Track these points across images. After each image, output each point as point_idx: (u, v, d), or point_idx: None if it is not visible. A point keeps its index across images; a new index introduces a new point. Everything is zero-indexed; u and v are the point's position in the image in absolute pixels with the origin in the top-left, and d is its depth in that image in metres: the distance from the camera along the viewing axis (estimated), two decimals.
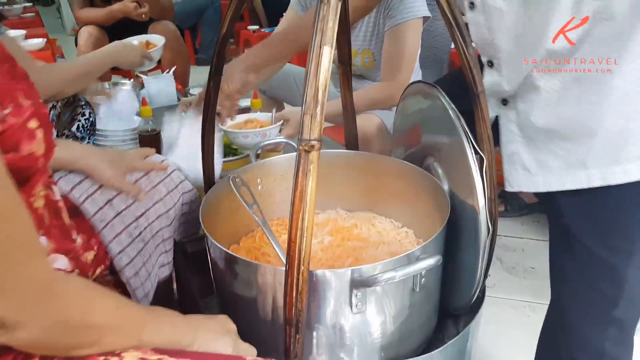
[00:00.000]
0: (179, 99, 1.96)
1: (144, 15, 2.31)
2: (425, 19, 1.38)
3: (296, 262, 0.51)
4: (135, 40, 1.86)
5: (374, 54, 1.46)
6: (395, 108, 0.99)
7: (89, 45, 2.24)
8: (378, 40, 1.43)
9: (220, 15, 3.97)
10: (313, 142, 0.51)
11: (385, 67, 1.40)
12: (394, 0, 1.36)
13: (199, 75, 2.72)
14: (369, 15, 1.43)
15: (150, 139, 1.32)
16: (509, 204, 1.81)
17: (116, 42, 1.48)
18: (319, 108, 0.52)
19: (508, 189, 0.78)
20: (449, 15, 0.59)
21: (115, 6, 2.33)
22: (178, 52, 2.46)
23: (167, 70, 1.97)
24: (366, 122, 1.33)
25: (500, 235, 1.52)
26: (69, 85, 1.15)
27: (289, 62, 1.81)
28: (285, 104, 1.81)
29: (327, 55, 0.52)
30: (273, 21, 3.85)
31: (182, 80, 2.54)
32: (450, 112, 0.70)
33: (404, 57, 1.36)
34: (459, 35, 0.60)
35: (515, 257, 1.62)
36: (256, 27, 3.92)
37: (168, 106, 1.86)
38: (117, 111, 1.45)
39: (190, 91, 2.12)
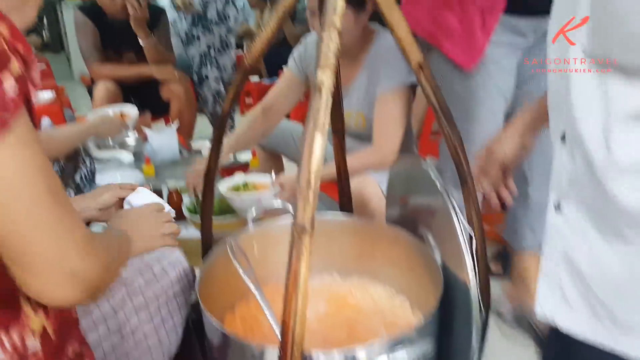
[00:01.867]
0: (181, 153, 2.01)
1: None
2: (413, 86, 1.45)
3: (289, 345, 0.52)
4: (110, 111, 2.04)
5: (366, 116, 1.51)
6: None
7: (105, 99, 2.32)
8: (370, 103, 1.48)
9: None
10: (306, 227, 0.53)
11: (376, 132, 1.45)
12: (384, 68, 1.42)
13: (201, 124, 2.78)
14: (362, 79, 1.49)
15: None
16: (507, 264, 1.81)
17: (97, 116, 1.60)
18: (311, 193, 0.54)
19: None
20: (433, 100, 0.63)
21: (136, 68, 2.44)
22: (188, 105, 2.54)
23: (171, 123, 2.02)
24: (361, 184, 1.36)
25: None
26: (59, 153, 1.42)
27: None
28: (283, 158, 1.86)
29: (320, 143, 0.55)
30: (273, 72, 3.96)
31: (187, 131, 2.61)
32: (439, 187, 0.72)
33: (393, 123, 1.42)
34: (444, 120, 0.63)
35: None
36: (257, 78, 4.04)
37: (171, 161, 1.91)
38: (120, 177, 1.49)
39: (193, 144, 2.18)
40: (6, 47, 0.52)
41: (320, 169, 0.55)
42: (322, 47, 0.56)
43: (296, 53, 1.63)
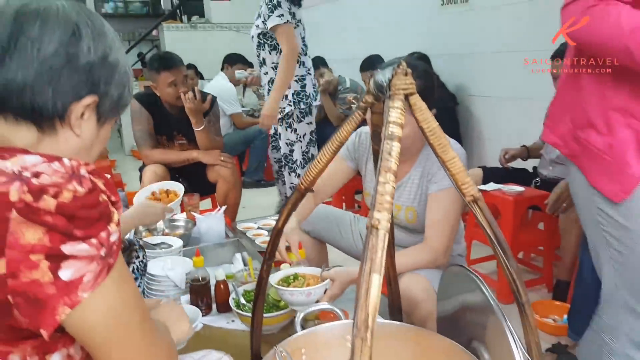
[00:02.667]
0: (227, 235, 2.06)
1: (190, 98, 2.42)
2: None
3: None
4: (155, 187, 2.15)
5: (417, 212, 1.52)
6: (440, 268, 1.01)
7: (153, 183, 2.43)
8: (421, 200, 1.50)
9: (267, 144, 4.26)
10: None
11: (428, 230, 1.45)
12: (439, 167, 1.44)
13: (244, 198, 2.86)
14: (415, 175, 1.52)
15: (200, 289, 1.37)
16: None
17: (139, 204, 1.66)
18: (369, 333, 0.55)
19: None
20: (490, 232, 0.64)
21: (184, 154, 2.57)
22: (233, 187, 2.63)
23: (218, 209, 2.09)
24: (413, 283, 1.34)
25: None
26: None
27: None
28: (327, 245, 1.87)
29: (376, 283, 0.56)
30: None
31: (233, 211, 2.68)
32: (495, 308, 0.71)
33: (445, 222, 1.42)
34: (500, 250, 0.64)
35: None
36: None
37: (217, 244, 1.96)
38: (172, 262, 1.54)
39: (238, 225, 2.23)
40: (108, 202, 0.59)
41: (377, 308, 0.56)
42: (378, 189, 0.59)
43: (350, 143, 1.68)
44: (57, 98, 0.65)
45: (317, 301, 1.24)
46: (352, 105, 3.68)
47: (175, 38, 5.84)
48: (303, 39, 2.74)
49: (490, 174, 2.44)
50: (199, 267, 1.41)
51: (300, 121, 2.78)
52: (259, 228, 2.18)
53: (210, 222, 2.01)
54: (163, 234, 1.99)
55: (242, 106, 5.08)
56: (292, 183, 2.96)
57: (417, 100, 0.66)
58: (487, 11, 2.99)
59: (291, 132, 2.80)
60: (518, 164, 2.56)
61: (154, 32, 7.04)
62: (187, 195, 2.30)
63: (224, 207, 2.11)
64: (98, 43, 0.68)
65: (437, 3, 3.35)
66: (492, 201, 2.20)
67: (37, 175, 0.57)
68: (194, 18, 6.08)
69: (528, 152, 2.49)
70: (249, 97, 5.44)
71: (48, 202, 0.55)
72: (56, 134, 0.67)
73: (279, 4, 2.53)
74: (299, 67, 2.69)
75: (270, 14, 2.53)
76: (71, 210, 0.56)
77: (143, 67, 8.03)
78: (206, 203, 2.92)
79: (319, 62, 3.93)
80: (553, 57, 2.13)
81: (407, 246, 1.50)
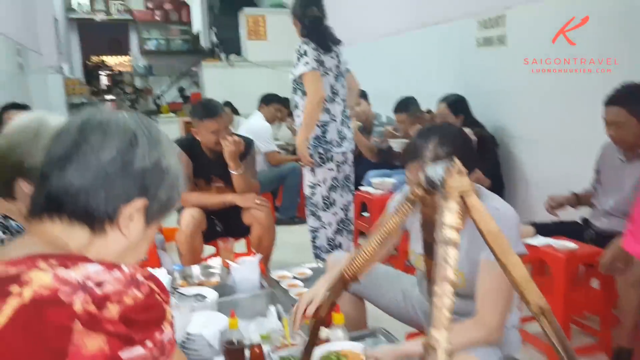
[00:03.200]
0: (262, 285, 2.03)
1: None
2: (521, 255, 1.37)
3: None
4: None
5: (466, 276, 1.44)
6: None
7: (190, 227, 2.46)
8: (472, 265, 1.41)
9: (300, 181, 4.27)
10: None
11: (480, 303, 1.34)
12: None
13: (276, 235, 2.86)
14: (463, 239, 1.46)
15: (235, 353, 1.35)
16: None
17: None
18: None
19: None
20: (556, 342, 0.59)
21: (221, 197, 2.60)
22: (267, 230, 2.64)
23: (253, 255, 2.08)
24: None
25: None
26: None
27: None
28: (366, 302, 1.82)
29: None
30: None
31: (266, 255, 2.68)
32: None
33: (498, 295, 1.31)
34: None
35: None
36: None
37: (252, 295, 1.95)
38: (206, 319, 1.52)
39: (272, 273, 2.21)
40: (162, 302, 0.60)
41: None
42: (435, 302, 0.55)
43: (396, 199, 1.67)
44: (109, 201, 0.69)
45: None
46: (390, 140, 3.65)
47: (214, 75, 6.02)
48: (332, 86, 2.76)
49: (541, 229, 2.32)
50: (233, 329, 1.39)
51: (319, 166, 2.80)
52: (293, 277, 2.15)
53: (245, 271, 2.00)
54: (198, 283, 1.99)
55: (276, 139, 5.16)
56: (311, 226, 2.96)
57: (474, 200, 0.62)
58: (525, 53, 2.93)
59: (312, 175, 2.84)
60: (569, 214, 2.43)
61: (194, 68, 7.29)
62: (222, 240, 2.32)
63: (259, 256, 2.10)
64: (153, 150, 0.72)
65: (473, 44, 3.32)
66: (542, 257, 2.09)
67: (100, 284, 0.59)
68: (232, 56, 6.26)
69: (578, 200, 2.34)
70: (283, 131, 5.53)
71: (111, 311, 0.58)
72: (106, 235, 0.70)
73: (305, 53, 2.62)
74: (323, 113, 2.72)
75: (297, 62, 2.63)
76: (131, 316, 0.59)
77: (183, 101, 8.31)
78: (241, 244, 2.92)
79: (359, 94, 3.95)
80: (607, 104, 2.06)
81: (458, 312, 1.43)
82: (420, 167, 0.64)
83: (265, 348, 1.40)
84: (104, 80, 12.57)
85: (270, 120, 4.48)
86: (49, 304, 0.56)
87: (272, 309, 1.76)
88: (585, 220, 2.35)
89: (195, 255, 2.53)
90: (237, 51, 6.50)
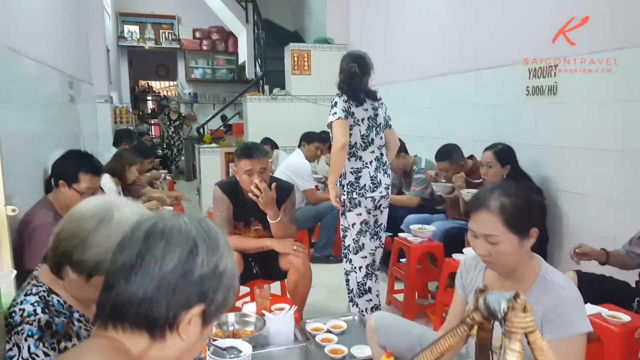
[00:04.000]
0: (296, 337, 2.00)
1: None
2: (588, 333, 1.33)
3: None
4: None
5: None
6: None
7: None
8: None
9: (337, 220, 4.24)
10: None
11: None
12: (560, 307, 1.32)
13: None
14: None
15: None
16: None
17: None
18: None
19: None
20: None
21: (259, 242, 2.62)
22: (304, 276, 2.61)
23: (289, 308, 2.05)
24: None
25: None
26: None
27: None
28: None
29: None
30: (387, 227, 4.00)
31: (301, 301, 2.64)
32: None
33: None
34: None
35: None
36: None
37: (286, 347, 1.91)
38: None
39: (307, 325, 2.17)
40: None
41: None
42: None
43: (458, 272, 1.64)
44: (170, 309, 0.71)
45: None
46: (433, 184, 3.58)
47: (256, 108, 6.12)
48: (364, 135, 2.84)
49: (585, 281, 2.21)
50: None
51: (350, 210, 2.86)
52: (327, 331, 2.10)
53: (280, 323, 1.97)
54: (233, 332, 1.97)
55: (314, 172, 5.17)
56: (345, 268, 2.98)
57: (537, 339, 0.58)
58: (577, 105, 2.85)
59: (344, 219, 2.92)
60: (621, 274, 2.30)
61: (240, 98, 7.46)
62: (259, 285, 2.30)
63: (294, 308, 2.06)
64: (211, 256, 0.74)
65: (522, 92, 3.25)
66: (593, 327, 1.97)
67: None
68: (275, 90, 6.38)
69: (607, 258, 2.21)
70: (322, 165, 5.55)
71: None
72: (165, 340, 0.72)
73: (335, 104, 2.77)
74: (356, 160, 2.83)
75: (329, 112, 2.77)
76: None
77: (225, 131, 8.50)
78: (276, 285, 2.90)
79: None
80: None
81: None
82: (480, 293, 0.61)
83: None
84: (150, 105, 13.08)
85: (311, 158, 4.50)
86: None
87: None
88: (638, 283, 2.21)
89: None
90: (281, 84, 6.63)
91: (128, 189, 3.93)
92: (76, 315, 1.15)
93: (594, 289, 2.16)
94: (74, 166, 2.33)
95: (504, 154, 2.99)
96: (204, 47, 10.84)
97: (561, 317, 1.31)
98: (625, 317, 1.92)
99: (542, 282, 1.38)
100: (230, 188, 2.62)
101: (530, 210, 1.38)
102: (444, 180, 3.57)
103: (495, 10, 3.55)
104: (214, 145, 6.59)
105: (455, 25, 4.06)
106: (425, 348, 0.72)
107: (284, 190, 2.67)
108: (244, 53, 9.07)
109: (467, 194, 3.06)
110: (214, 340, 1.79)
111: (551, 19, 3.00)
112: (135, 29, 10.73)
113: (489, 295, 0.62)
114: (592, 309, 1.99)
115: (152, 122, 12.01)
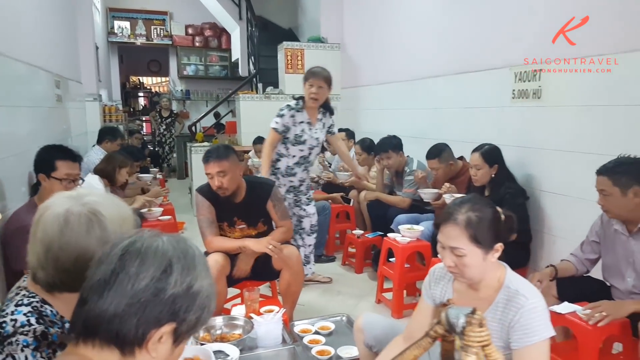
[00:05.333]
0: (284, 339, 2.04)
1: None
2: (552, 338, 1.39)
3: None
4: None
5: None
6: None
7: (213, 272, 2.47)
8: (503, 340, 1.43)
9: (330, 219, 4.28)
10: None
11: None
12: (519, 319, 1.38)
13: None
14: (493, 319, 1.46)
15: None
16: None
17: None
18: None
19: None
20: None
21: (238, 242, 2.63)
22: (297, 274, 2.66)
23: (277, 310, 2.09)
24: None
25: None
26: None
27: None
28: None
29: None
30: (376, 227, 4.06)
31: (292, 301, 2.69)
32: None
33: None
34: None
35: None
36: (360, 232, 4.14)
37: (273, 350, 1.95)
38: None
39: (296, 327, 2.21)
40: None
41: None
42: None
43: (426, 283, 1.70)
44: (140, 327, 0.72)
45: None
46: (420, 191, 3.63)
47: (249, 106, 6.14)
48: (297, 134, 3.46)
49: (562, 279, 2.27)
50: None
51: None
52: (316, 332, 2.15)
53: (269, 325, 2.01)
54: (221, 336, 2.01)
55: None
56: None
57: (492, 352, 0.62)
58: (561, 109, 2.90)
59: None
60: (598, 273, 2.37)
61: (233, 95, 7.46)
62: (248, 289, 2.33)
63: (282, 310, 2.10)
64: (185, 276, 0.75)
65: (509, 95, 3.30)
66: (567, 325, 2.04)
67: None
68: (269, 89, 6.38)
69: (556, 273, 2.28)
70: (316, 165, 5.59)
71: None
72: (134, 357, 0.73)
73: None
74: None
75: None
76: None
77: (217, 130, 8.50)
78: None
79: (389, 147, 3.98)
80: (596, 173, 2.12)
81: None
82: (443, 307, 0.66)
83: None
84: (141, 101, 13.03)
85: None
86: None
87: None
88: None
89: (219, 301, 2.56)
90: (275, 83, 6.63)
91: (117, 191, 3.95)
92: (68, 325, 1.18)
93: (570, 287, 2.23)
94: (49, 156, 2.37)
95: (491, 154, 3.04)
96: (197, 44, 10.80)
97: (524, 327, 1.37)
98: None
99: (506, 292, 1.44)
100: (210, 191, 2.65)
101: (496, 225, 1.43)
102: (430, 184, 3.64)
103: (484, 15, 3.60)
104: (205, 143, 6.60)
105: (446, 29, 4.10)
106: (393, 359, 0.76)
107: (264, 188, 2.73)
108: (238, 50, 9.06)
109: (450, 197, 3.12)
110: (202, 344, 1.83)
111: (538, 24, 3.05)
112: (126, 24, 10.66)
113: (450, 310, 0.67)
114: (568, 307, 2.06)
115: (144, 118, 11.96)
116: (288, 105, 3.46)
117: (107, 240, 0.93)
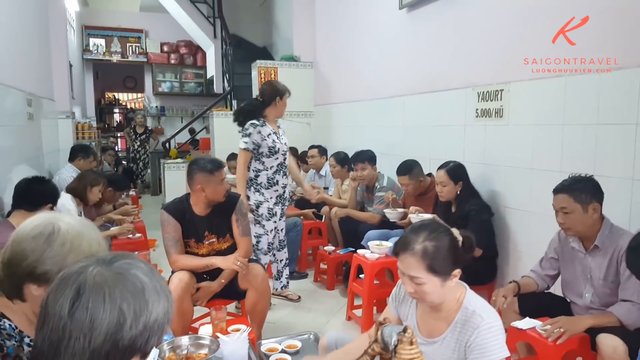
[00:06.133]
0: (250, 358, 2.05)
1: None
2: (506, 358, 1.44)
3: None
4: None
5: None
6: None
7: (178, 291, 2.47)
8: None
9: (301, 236, 4.31)
10: None
11: None
12: (475, 339, 1.43)
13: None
14: (450, 339, 1.52)
15: None
16: None
17: None
18: None
19: None
20: None
21: (205, 260, 2.64)
22: (262, 294, 2.67)
23: (244, 329, 2.10)
24: None
25: None
26: None
27: None
28: None
29: None
30: (348, 243, 4.10)
31: (259, 320, 2.69)
32: None
33: None
34: None
35: None
36: (332, 248, 4.17)
37: None
38: None
39: (262, 346, 2.22)
40: None
41: None
42: None
43: (393, 294, 1.75)
44: None
45: None
46: (386, 211, 3.69)
47: (223, 123, 6.17)
48: (270, 147, 3.53)
49: (525, 296, 2.34)
50: None
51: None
52: (282, 351, 2.16)
53: (235, 345, 2.02)
54: (187, 356, 2.01)
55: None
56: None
57: None
58: (521, 127, 3.02)
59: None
60: (556, 289, 2.46)
61: (209, 112, 7.47)
62: (215, 308, 2.33)
63: (248, 329, 2.12)
64: (139, 317, 0.77)
65: (472, 114, 3.42)
66: (528, 340, 2.10)
67: None
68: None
69: (519, 289, 2.35)
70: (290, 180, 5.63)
71: None
72: None
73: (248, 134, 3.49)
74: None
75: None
76: None
77: (192, 146, 8.48)
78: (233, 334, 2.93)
79: (366, 158, 4.05)
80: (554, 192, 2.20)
81: None
82: (380, 326, 0.70)
83: None
84: (116, 117, 12.91)
85: None
86: None
87: None
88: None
89: (185, 320, 2.55)
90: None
91: (90, 210, 3.91)
92: (26, 340, 1.19)
93: (532, 303, 2.30)
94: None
95: (456, 171, 3.13)
96: (172, 61, 10.81)
97: (480, 346, 1.42)
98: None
99: (464, 313, 1.50)
100: (177, 208, 2.66)
101: (453, 252, 1.47)
102: (399, 204, 3.72)
103: (449, 37, 3.72)
104: (179, 160, 6.58)
105: (414, 49, 4.22)
106: None
107: (230, 200, 2.74)
108: (213, 67, 9.09)
109: (416, 217, 3.18)
110: None
111: (501, 45, 3.18)
112: (102, 42, 10.62)
113: (384, 329, 0.71)
114: (529, 322, 2.13)
115: (119, 135, 11.85)
116: (252, 124, 3.46)
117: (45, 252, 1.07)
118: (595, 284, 2.17)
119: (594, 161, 2.50)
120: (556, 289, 2.47)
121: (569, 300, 2.36)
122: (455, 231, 1.53)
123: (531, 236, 2.98)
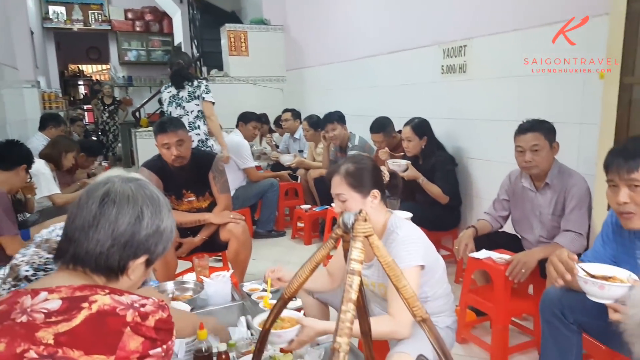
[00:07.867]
0: (233, 298, 2.19)
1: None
2: (421, 267, 1.60)
3: None
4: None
5: (387, 287, 1.67)
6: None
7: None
8: (387, 278, 1.65)
9: (278, 196, 4.44)
10: None
11: (390, 305, 1.57)
12: (397, 252, 1.59)
13: (255, 248, 3.07)
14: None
15: (204, 359, 1.51)
16: None
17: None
18: None
19: None
20: (438, 349, 0.77)
21: (196, 216, 2.76)
22: (244, 245, 2.79)
23: (225, 273, 2.24)
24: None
25: None
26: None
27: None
28: (330, 308, 2.02)
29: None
30: (324, 201, 4.26)
31: (241, 270, 2.83)
32: None
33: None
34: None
35: None
36: (308, 206, 4.32)
37: (223, 307, 2.10)
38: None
39: (245, 286, 2.37)
40: (172, 322, 0.89)
41: None
42: (341, 316, 0.74)
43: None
44: (121, 260, 0.93)
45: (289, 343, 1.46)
46: (389, 161, 3.84)
47: None
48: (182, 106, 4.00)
49: (481, 240, 2.53)
50: (203, 339, 1.54)
51: None
52: (263, 290, 2.31)
53: (218, 285, 2.15)
54: (173, 298, 2.13)
55: (264, 154, 5.38)
56: None
57: (374, 240, 0.81)
58: (483, 82, 3.18)
59: None
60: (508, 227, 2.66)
61: None
62: (198, 256, 2.45)
63: (231, 271, 2.25)
64: (154, 219, 0.96)
65: (439, 71, 3.56)
66: (484, 268, 2.31)
67: (143, 305, 0.87)
68: (213, 71, 6.40)
69: (476, 232, 2.52)
70: (264, 146, 5.74)
71: (150, 322, 0.86)
72: (117, 280, 0.95)
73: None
74: None
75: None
76: (160, 326, 0.87)
77: (161, 113, 8.40)
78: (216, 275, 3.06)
79: (334, 118, 4.16)
80: (522, 132, 2.33)
81: (383, 312, 1.69)
82: (340, 215, 0.86)
83: (232, 354, 1.56)
84: (81, 90, 12.59)
85: (249, 138, 4.64)
86: (109, 315, 0.83)
87: (242, 319, 1.91)
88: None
89: (169, 271, 2.66)
90: (219, 66, 6.65)
91: (64, 176, 3.94)
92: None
93: (486, 241, 2.49)
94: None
95: (421, 127, 3.29)
96: (137, 29, 10.55)
97: (394, 256, 1.57)
98: (509, 257, 2.25)
99: (388, 233, 1.69)
100: (156, 164, 2.73)
101: (371, 174, 1.68)
102: (373, 157, 3.85)
103: None
104: (150, 128, 6.55)
105: (382, 9, 4.31)
106: (306, 262, 0.94)
107: (205, 159, 2.82)
108: (180, 34, 8.96)
109: (392, 163, 3.34)
110: None
111: (463, 3, 3.31)
112: (62, 9, 10.26)
113: (344, 214, 0.86)
114: (485, 253, 2.33)
115: (86, 107, 11.59)
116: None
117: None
118: (544, 220, 2.38)
119: (549, 109, 2.68)
120: (507, 228, 2.68)
121: (520, 237, 2.57)
122: (384, 169, 1.73)
123: (492, 183, 3.17)
